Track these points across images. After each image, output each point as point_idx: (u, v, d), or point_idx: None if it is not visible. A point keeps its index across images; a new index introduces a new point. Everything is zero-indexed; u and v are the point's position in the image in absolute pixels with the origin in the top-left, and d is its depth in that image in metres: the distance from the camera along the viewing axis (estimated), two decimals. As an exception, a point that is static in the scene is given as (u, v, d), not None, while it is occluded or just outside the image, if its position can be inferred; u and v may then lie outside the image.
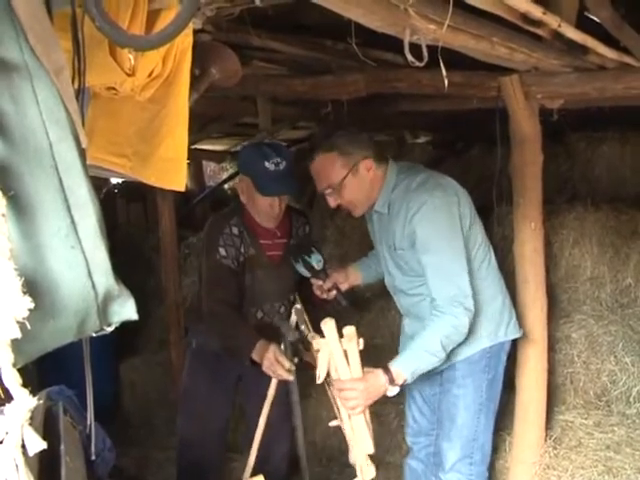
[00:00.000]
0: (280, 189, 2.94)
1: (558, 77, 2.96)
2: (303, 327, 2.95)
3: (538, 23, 2.13)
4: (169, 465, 3.79)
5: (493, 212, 3.90)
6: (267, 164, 2.88)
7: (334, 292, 3.01)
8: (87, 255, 0.99)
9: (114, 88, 1.66)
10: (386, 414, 4.00)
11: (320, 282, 3.00)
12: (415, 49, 2.05)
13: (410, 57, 2.06)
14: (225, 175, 6.81)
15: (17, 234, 0.93)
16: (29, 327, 0.90)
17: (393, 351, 2.99)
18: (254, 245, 3.07)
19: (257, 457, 3.00)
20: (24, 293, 0.90)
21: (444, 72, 1.94)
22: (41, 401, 2.32)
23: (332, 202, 2.81)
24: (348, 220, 4.75)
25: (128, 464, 3.93)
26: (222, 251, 3.01)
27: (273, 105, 4.58)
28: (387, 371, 2.48)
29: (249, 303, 3.14)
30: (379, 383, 2.46)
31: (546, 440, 3.28)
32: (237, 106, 4.62)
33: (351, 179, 2.72)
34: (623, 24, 2.26)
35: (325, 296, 3.03)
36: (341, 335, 2.42)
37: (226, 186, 6.81)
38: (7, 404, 0.97)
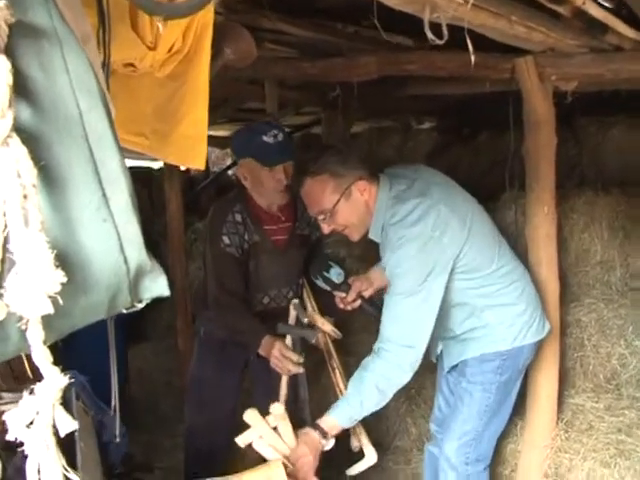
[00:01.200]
0: (284, 157, 2.94)
1: (573, 58, 2.93)
2: (305, 320, 2.93)
3: (560, 0, 2.09)
4: (177, 451, 3.79)
5: (502, 197, 3.88)
6: (266, 138, 2.88)
7: (358, 302, 2.94)
8: (119, 229, 0.96)
9: (132, 65, 1.63)
10: (396, 398, 3.95)
11: (343, 294, 2.92)
12: (432, 29, 2.02)
13: (430, 35, 2.03)
14: (229, 161, 6.76)
15: (47, 206, 0.91)
16: (61, 302, 0.87)
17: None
18: (258, 231, 3.06)
19: None
20: (56, 267, 0.87)
21: (471, 49, 1.89)
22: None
23: (325, 228, 2.73)
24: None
25: (136, 451, 3.91)
26: (226, 239, 2.99)
27: (280, 89, 4.54)
28: (316, 427, 2.44)
29: (255, 289, 3.14)
30: (314, 441, 2.41)
31: (557, 424, 3.26)
32: (244, 89, 4.59)
33: (344, 203, 2.61)
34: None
35: (349, 308, 2.96)
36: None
37: (230, 172, 6.77)
38: (37, 383, 0.95)
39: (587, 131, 4.54)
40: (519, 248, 3.24)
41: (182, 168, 5.18)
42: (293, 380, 2.90)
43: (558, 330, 3.22)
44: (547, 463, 3.15)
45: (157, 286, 1.02)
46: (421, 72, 3.42)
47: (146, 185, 6.18)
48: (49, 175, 0.91)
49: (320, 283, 2.99)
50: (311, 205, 2.71)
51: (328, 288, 2.97)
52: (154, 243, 5.32)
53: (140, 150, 1.78)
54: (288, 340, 2.89)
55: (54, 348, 0.95)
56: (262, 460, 2.57)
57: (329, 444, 2.47)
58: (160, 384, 4.78)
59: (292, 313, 2.97)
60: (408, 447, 3.98)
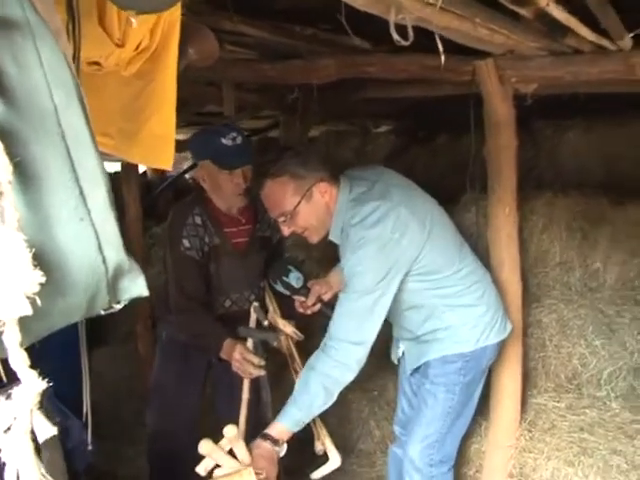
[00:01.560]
0: (242, 160, 2.92)
1: (533, 61, 2.96)
2: (266, 323, 2.92)
3: (523, 2, 2.11)
4: (140, 458, 3.72)
5: (462, 198, 3.91)
6: (224, 140, 2.86)
7: (318, 305, 2.93)
8: (97, 228, 0.93)
9: (97, 63, 1.59)
10: (358, 401, 3.98)
11: (303, 299, 2.92)
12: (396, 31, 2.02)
13: (396, 36, 2.02)
14: (186, 165, 6.70)
15: (23, 205, 0.87)
16: (39, 303, 0.84)
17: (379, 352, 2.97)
18: (218, 234, 3.03)
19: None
20: (34, 267, 0.84)
21: (441, 49, 1.90)
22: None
23: (285, 230, 2.72)
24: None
25: (99, 459, 3.83)
26: (186, 242, 2.96)
27: (238, 92, 4.51)
28: (266, 437, 2.42)
29: (217, 292, 3.11)
30: (268, 452, 2.40)
31: (521, 423, 3.29)
32: (202, 92, 4.54)
33: (305, 205, 2.61)
34: (606, 3, 2.25)
35: (309, 312, 2.95)
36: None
37: (187, 175, 6.71)
38: (14, 386, 0.91)
39: (544, 134, 4.60)
40: (479, 250, 3.26)
41: (140, 171, 5.10)
42: (255, 383, 2.89)
43: (520, 331, 3.25)
44: (512, 463, 3.18)
45: (136, 286, 0.99)
46: (381, 75, 3.42)
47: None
48: (24, 172, 0.88)
49: (279, 288, 2.97)
50: (271, 207, 2.70)
51: (288, 293, 2.96)
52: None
53: (106, 150, 1.73)
54: (249, 343, 2.88)
55: (30, 351, 0.92)
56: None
57: (282, 450, 2.46)
58: (121, 390, 4.69)
59: (252, 316, 2.96)
60: (372, 450, 3.99)
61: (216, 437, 3.92)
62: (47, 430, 0.91)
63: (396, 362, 3.10)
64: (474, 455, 3.34)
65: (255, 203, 3.12)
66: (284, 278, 2.92)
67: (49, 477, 0.95)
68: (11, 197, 0.84)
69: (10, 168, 0.84)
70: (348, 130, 6.13)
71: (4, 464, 0.91)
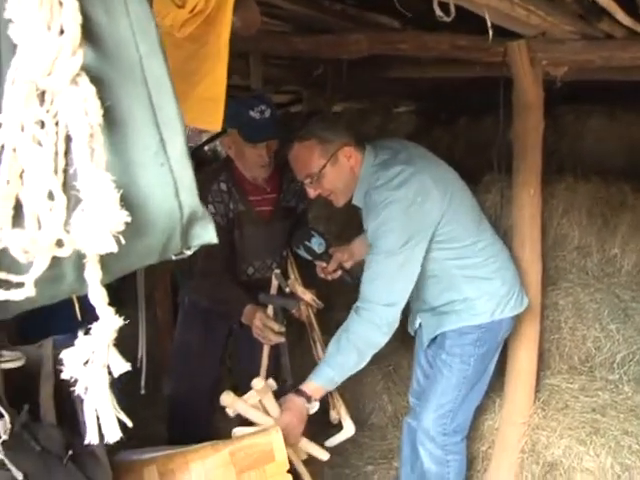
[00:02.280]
0: (267, 134, 2.92)
1: (565, 44, 2.98)
2: (287, 289, 2.97)
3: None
4: (156, 422, 3.77)
5: (483, 180, 3.94)
6: (252, 113, 2.87)
7: (339, 272, 3.00)
8: (175, 174, 0.97)
9: (152, 23, 1.62)
10: (373, 375, 4.04)
11: (324, 264, 2.99)
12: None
13: (439, 12, 2.06)
14: (205, 137, 6.72)
15: (109, 148, 0.91)
16: (123, 242, 0.88)
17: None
18: (243, 201, 3.07)
19: None
20: (121, 207, 0.88)
21: (489, 23, 1.92)
22: (49, 348, 2.30)
23: (312, 192, 2.79)
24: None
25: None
26: (211, 208, 2.99)
27: (263, 66, 4.52)
28: (300, 393, 2.50)
29: (240, 260, 3.15)
30: (300, 408, 2.48)
31: (535, 402, 3.34)
32: (229, 64, 4.55)
33: (330, 168, 2.68)
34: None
35: (330, 278, 3.03)
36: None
37: (206, 148, 6.72)
38: (94, 323, 0.96)
39: (566, 119, 4.61)
40: (499, 231, 3.30)
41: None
42: (275, 350, 2.94)
43: (539, 311, 3.29)
44: (524, 440, 3.23)
45: (206, 233, 1.03)
46: (412, 52, 3.43)
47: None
48: (111, 117, 0.92)
49: (302, 253, 3.03)
50: (298, 169, 2.77)
51: (309, 258, 3.02)
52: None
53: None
54: (270, 310, 2.92)
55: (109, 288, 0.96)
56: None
57: (314, 407, 2.53)
58: (137, 354, 4.74)
59: (274, 283, 3.01)
60: (384, 424, 4.05)
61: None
62: (122, 365, 0.96)
63: (413, 334, 3.16)
64: (487, 431, 3.39)
65: (281, 173, 3.16)
66: (306, 243, 2.99)
67: (120, 410, 1.01)
68: (101, 139, 0.89)
69: (101, 112, 0.89)
70: (370, 108, 6.13)
71: (78, 397, 0.96)
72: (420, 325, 3.04)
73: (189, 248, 1.03)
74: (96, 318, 0.97)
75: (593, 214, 3.84)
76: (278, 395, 2.57)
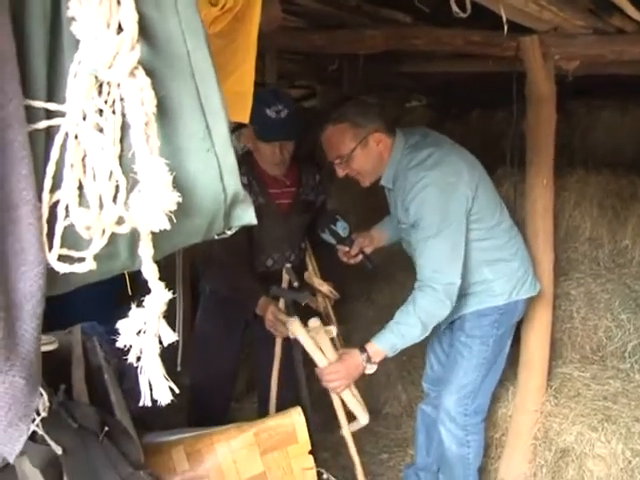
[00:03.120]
0: (279, 135, 2.96)
1: (576, 39, 3.03)
2: (296, 284, 3.04)
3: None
4: (176, 411, 3.84)
5: (496, 172, 4.00)
6: (268, 111, 2.89)
7: (360, 257, 3.10)
8: (220, 159, 1.05)
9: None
10: (387, 365, 4.10)
11: (346, 248, 3.09)
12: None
13: (455, 7, 2.13)
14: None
15: (160, 135, 0.99)
16: (175, 221, 0.96)
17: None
18: (263, 194, 3.12)
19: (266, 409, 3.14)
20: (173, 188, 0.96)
21: (504, 18, 1.98)
22: (78, 334, 2.39)
23: (340, 172, 2.87)
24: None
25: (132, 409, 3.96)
26: None
27: (277, 60, 4.58)
28: (363, 350, 2.62)
29: (258, 251, 3.20)
30: (356, 362, 2.61)
31: (547, 390, 3.40)
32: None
33: (360, 151, 2.78)
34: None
35: (352, 262, 3.12)
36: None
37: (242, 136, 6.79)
38: (146, 296, 1.04)
39: (578, 113, 4.67)
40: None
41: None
42: (288, 342, 2.98)
43: (551, 300, 3.36)
44: (537, 427, 3.30)
45: (246, 215, 1.11)
46: (426, 47, 3.50)
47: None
48: (162, 107, 0.99)
49: (326, 236, 3.11)
50: (329, 150, 2.85)
51: (334, 241, 3.10)
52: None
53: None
54: (282, 303, 3.00)
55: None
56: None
57: (372, 368, 2.67)
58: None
59: (285, 277, 3.08)
60: (398, 413, 4.13)
61: (249, 392, 4.04)
62: (171, 336, 1.04)
63: None
64: (501, 419, 3.46)
65: (299, 167, 3.23)
66: (332, 226, 3.07)
67: (167, 377, 1.09)
68: (155, 127, 0.97)
69: (155, 101, 0.97)
70: (384, 102, 6.18)
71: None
72: None
73: (230, 228, 1.11)
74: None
75: (604, 206, 3.90)
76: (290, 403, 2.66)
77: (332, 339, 2.74)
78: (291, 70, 5.06)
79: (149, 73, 0.97)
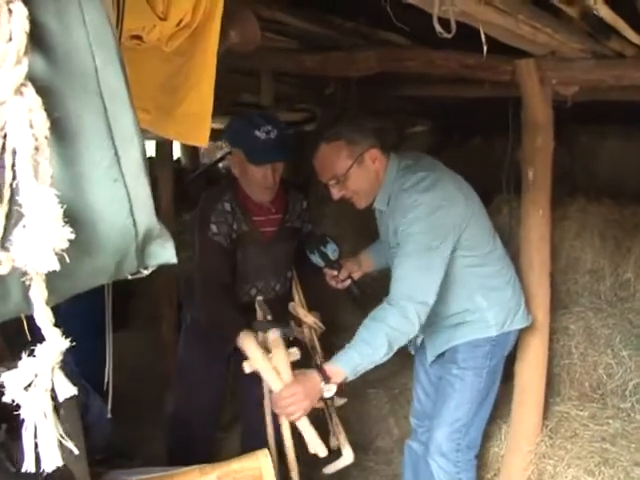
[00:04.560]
0: (271, 157, 2.86)
1: (575, 63, 2.93)
2: (269, 317, 2.90)
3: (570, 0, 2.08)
4: (157, 441, 3.73)
5: (495, 200, 3.89)
6: (257, 133, 2.81)
7: (348, 281, 2.99)
8: (130, 190, 0.92)
9: (139, 37, 1.59)
10: (379, 398, 3.98)
11: (335, 272, 2.98)
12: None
13: (439, 28, 2.02)
14: (220, 153, 6.72)
15: (57, 161, 0.87)
16: (67, 260, 0.84)
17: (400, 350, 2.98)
18: (246, 221, 3.02)
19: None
20: (65, 223, 0.84)
21: (483, 39, 1.87)
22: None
23: (336, 194, 2.77)
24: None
25: (116, 439, 3.85)
26: (214, 228, 2.95)
27: (276, 83, 4.50)
28: (320, 369, 2.40)
29: (242, 280, 3.10)
30: (314, 383, 2.37)
31: (542, 430, 3.26)
32: (240, 82, 4.54)
33: (356, 169, 2.69)
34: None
35: (340, 286, 3.01)
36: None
37: (220, 165, 6.73)
38: (38, 344, 0.91)
39: (580, 139, 4.56)
40: (510, 252, 3.23)
41: (173, 158, 5.12)
42: None
43: (547, 335, 3.22)
44: (531, 469, 3.15)
45: (165, 252, 0.99)
46: (420, 70, 3.40)
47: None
48: (60, 129, 0.87)
49: (315, 258, 3.00)
50: (324, 170, 2.75)
51: (322, 264, 2.99)
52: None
53: (143, 126, 1.74)
54: (261, 336, 2.85)
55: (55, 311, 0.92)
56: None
57: (330, 390, 2.41)
58: (141, 373, 4.72)
59: (258, 311, 2.95)
60: (389, 448, 3.98)
61: (233, 423, 3.91)
62: (67, 390, 0.91)
63: (413, 352, 3.12)
64: (493, 458, 3.31)
65: (286, 193, 3.12)
66: (322, 248, 2.97)
67: (67, 437, 0.95)
68: (46, 152, 0.84)
69: (47, 124, 0.84)
70: (384, 127, 6.10)
71: (23, 421, 0.91)
72: (422, 342, 2.99)
73: (147, 267, 0.99)
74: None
75: (606, 237, 3.77)
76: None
77: (293, 362, 2.54)
78: (289, 93, 4.97)
79: (45, 91, 0.85)
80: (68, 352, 2.44)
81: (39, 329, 0.95)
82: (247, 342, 2.40)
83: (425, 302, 2.50)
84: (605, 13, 2.10)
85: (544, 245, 3.15)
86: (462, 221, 2.65)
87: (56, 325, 0.90)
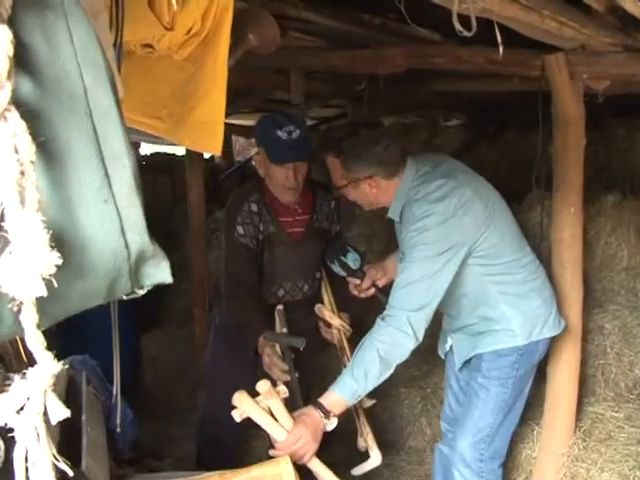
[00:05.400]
0: (292, 156, 2.85)
1: (606, 57, 2.86)
2: (284, 330, 2.85)
3: (595, -6, 2.03)
4: (188, 440, 3.76)
5: (527, 197, 3.82)
6: (280, 132, 2.81)
7: (372, 290, 2.93)
8: (121, 211, 0.91)
9: (150, 46, 1.59)
10: (411, 398, 3.94)
11: (357, 281, 2.92)
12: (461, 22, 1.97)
13: (458, 26, 1.97)
14: (254, 150, 6.73)
15: (46, 184, 0.86)
16: (55, 285, 0.83)
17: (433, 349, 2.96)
18: (273, 222, 3.00)
19: None
20: (52, 248, 0.83)
21: (499, 39, 1.83)
22: (64, 370, 2.28)
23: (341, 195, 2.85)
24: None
25: (147, 438, 3.89)
26: (240, 229, 2.94)
27: (306, 80, 4.48)
28: (318, 406, 2.33)
29: (269, 281, 3.08)
30: (316, 422, 2.30)
31: (575, 432, 3.19)
32: (269, 79, 4.53)
33: (352, 189, 2.72)
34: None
35: (363, 295, 2.95)
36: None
37: (254, 162, 6.73)
38: (30, 368, 0.91)
39: (617, 133, 4.45)
40: (543, 251, 3.18)
41: (206, 156, 5.13)
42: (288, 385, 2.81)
43: (579, 336, 3.15)
44: (563, 472, 3.08)
45: (159, 272, 0.97)
46: (447, 66, 3.36)
47: (169, 172, 6.16)
48: (49, 152, 0.87)
49: (336, 268, 2.97)
50: (331, 176, 2.85)
51: (343, 273, 2.95)
52: (173, 231, 5.31)
53: (156, 133, 1.74)
54: (278, 347, 2.81)
55: (46, 337, 0.91)
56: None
57: (331, 424, 2.34)
58: (174, 372, 4.76)
59: (277, 320, 2.90)
60: (422, 447, 3.94)
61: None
62: (60, 413, 0.90)
63: (443, 357, 3.07)
64: (525, 461, 3.25)
65: (314, 193, 3.10)
66: (342, 258, 2.93)
67: (60, 458, 0.95)
68: (33, 177, 0.83)
69: (33, 148, 0.83)
70: (417, 122, 6.05)
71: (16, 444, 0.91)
72: (451, 347, 2.94)
73: (142, 288, 0.98)
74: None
75: (643, 233, 3.67)
76: None
77: (284, 399, 2.38)
78: (321, 89, 4.94)
79: (32, 114, 0.84)
80: (93, 356, 2.45)
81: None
82: (243, 400, 2.31)
83: (419, 308, 2.44)
84: (630, 6, 2.03)
85: (576, 244, 3.08)
86: (477, 230, 2.57)
87: (48, 348, 0.90)
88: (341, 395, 2.35)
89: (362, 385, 2.37)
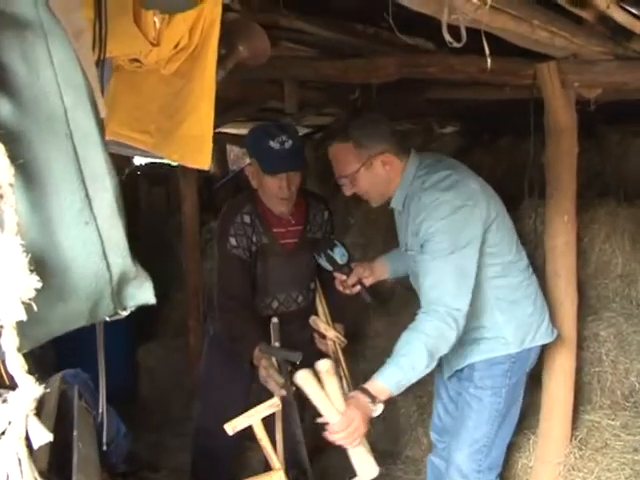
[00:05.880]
0: (284, 166, 2.83)
1: (598, 65, 2.85)
2: (277, 344, 2.83)
3: (583, 4, 2.02)
4: (184, 452, 3.74)
5: (522, 204, 3.81)
6: (272, 143, 2.79)
7: (358, 287, 2.90)
8: (102, 233, 0.91)
9: (138, 60, 1.58)
10: (407, 406, 3.92)
11: (344, 277, 2.89)
12: (452, 32, 1.97)
13: (448, 37, 1.97)
14: (248, 160, 6.73)
15: (25, 207, 0.86)
16: (35, 309, 0.82)
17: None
18: (266, 234, 2.99)
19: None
20: (31, 272, 0.82)
21: (487, 51, 1.82)
22: (56, 384, 2.27)
23: (347, 191, 2.73)
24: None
25: (143, 450, 3.88)
26: (233, 241, 2.93)
27: (300, 89, 4.48)
28: (364, 390, 2.30)
29: (263, 293, 3.06)
30: (364, 406, 2.27)
31: (571, 440, 3.17)
32: (263, 89, 4.52)
33: (364, 172, 2.63)
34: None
35: (348, 292, 2.93)
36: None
37: (247, 173, 6.74)
38: (11, 391, 0.90)
39: (610, 140, 4.44)
40: (537, 258, 3.17)
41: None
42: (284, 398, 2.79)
43: (574, 344, 3.14)
44: (559, 481, 3.07)
45: (142, 293, 0.97)
46: (440, 75, 3.35)
47: (163, 182, 6.16)
48: (28, 174, 0.86)
49: (323, 262, 2.95)
50: (336, 168, 2.73)
51: (330, 267, 2.92)
52: (167, 241, 5.31)
53: (145, 148, 1.73)
54: (274, 359, 2.79)
55: (42, 351, 0.91)
56: (266, 465, 2.51)
57: (377, 409, 2.32)
58: (170, 383, 4.74)
59: (272, 334, 2.88)
60: (419, 457, 3.92)
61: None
62: (43, 437, 0.89)
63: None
64: (521, 470, 3.23)
65: (307, 204, 3.09)
66: (329, 252, 2.90)
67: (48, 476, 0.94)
68: (11, 200, 0.83)
69: (11, 170, 0.83)
70: (411, 129, 6.04)
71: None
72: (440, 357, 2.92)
73: (125, 309, 0.97)
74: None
75: (637, 240, 3.67)
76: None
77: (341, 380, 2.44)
78: (314, 98, 4.93)
79: (11, 136, 0.84)
80: (88, 369, 2.43)
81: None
82: (307, 379, 2.30)
83: (458, 308, 2.41)
84: (619, 16, 2.03)
85: (570, 252, 3.07)
86: (485, 224, 2.55)
87: (29, 372, 0.89)
88: (386, 384, 2.31)
89: (407, 376, 2.33)
